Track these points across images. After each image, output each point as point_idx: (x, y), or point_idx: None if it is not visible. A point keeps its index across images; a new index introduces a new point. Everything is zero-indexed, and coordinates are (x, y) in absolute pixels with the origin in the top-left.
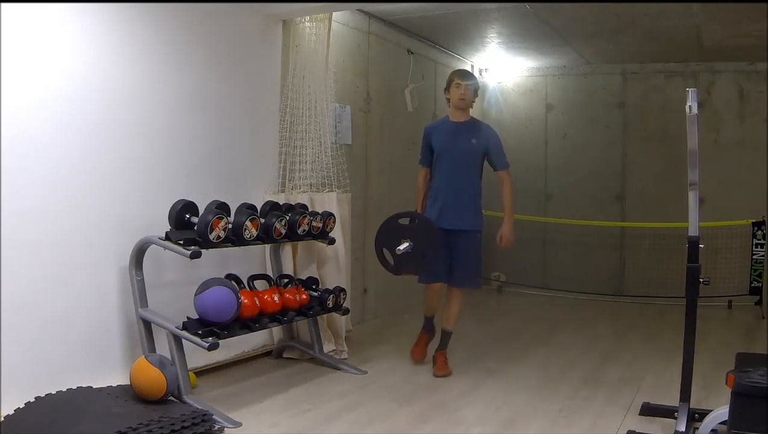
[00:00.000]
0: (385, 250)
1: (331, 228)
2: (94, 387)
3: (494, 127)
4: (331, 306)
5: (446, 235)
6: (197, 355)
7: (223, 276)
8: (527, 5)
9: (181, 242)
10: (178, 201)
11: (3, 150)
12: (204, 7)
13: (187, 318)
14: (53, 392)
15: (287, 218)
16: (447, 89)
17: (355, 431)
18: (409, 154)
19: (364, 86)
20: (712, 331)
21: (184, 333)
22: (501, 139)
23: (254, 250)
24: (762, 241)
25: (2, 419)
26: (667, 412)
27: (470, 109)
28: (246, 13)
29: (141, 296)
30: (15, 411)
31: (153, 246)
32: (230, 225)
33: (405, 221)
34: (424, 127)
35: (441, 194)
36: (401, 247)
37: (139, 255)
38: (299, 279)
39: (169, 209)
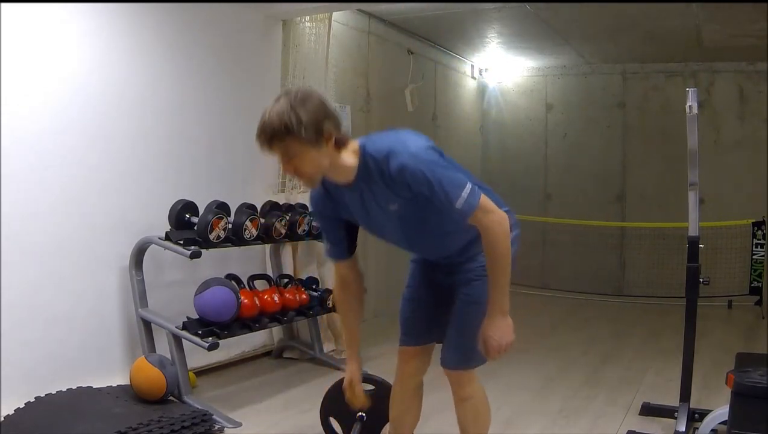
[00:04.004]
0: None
1: None
2: (94, 387)
3: (493, 127)
4: (331, 306)
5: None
6: (197, 355)
7: (223, 276)
8: (527, 5)
9: (181, 242)
10: (178, 201)
11: (3, 150)
12: (204, 7)
13: (187, 318)
14: (53, 392)
15: (287, 218)
16: None
17: None
18: None
19: (364, 86)
20: (712, 331)
21: (184, 333)
22: (437, 159)
23: (254, 250)
24: (762, 241)
25: (2, 419)
26: (667, 412)
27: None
28: (246, 13)
29: (141, 296)
30: (15, 411)
31: (153, 246)
32: (230, 225)
33: None
34: (310, 196)
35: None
36: None
37: (139, 255)
38: (299, 279)
39: (169, 209)
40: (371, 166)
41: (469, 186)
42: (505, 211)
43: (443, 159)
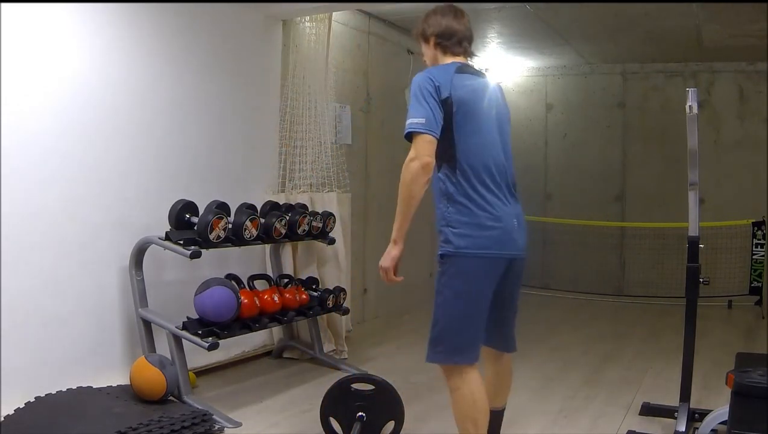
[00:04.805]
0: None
1: (331, 228)
2: (94, 387)
3: None
4: (331, 306)
5: None
6: (197, 355)
7: (223, 276)
8: (527, 5)
9: (181, 242)
10: (178, 201)
11: (3, 150)
12: (204, 7)
13: (187, 318)
14: (53, 392)
15: (287, 218)
16: None
17: None
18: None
19: (364, 86)
20: (712, 331)
21: (184, 333)
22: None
23: (254, 250)
24: (762, 241)
25: (2, 419)
26: (667, 412)
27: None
28: (246, 13)
29: (141, 296)
30: (15, 411)
31: (153, 246)
32: (230, 225)
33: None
34: None
35: None
36: None
37: (139, 255)
38: (299, 279)
39: (169, 209)
40: None
41: (422, 120)
42: (471, 206)
43: (430, 93)
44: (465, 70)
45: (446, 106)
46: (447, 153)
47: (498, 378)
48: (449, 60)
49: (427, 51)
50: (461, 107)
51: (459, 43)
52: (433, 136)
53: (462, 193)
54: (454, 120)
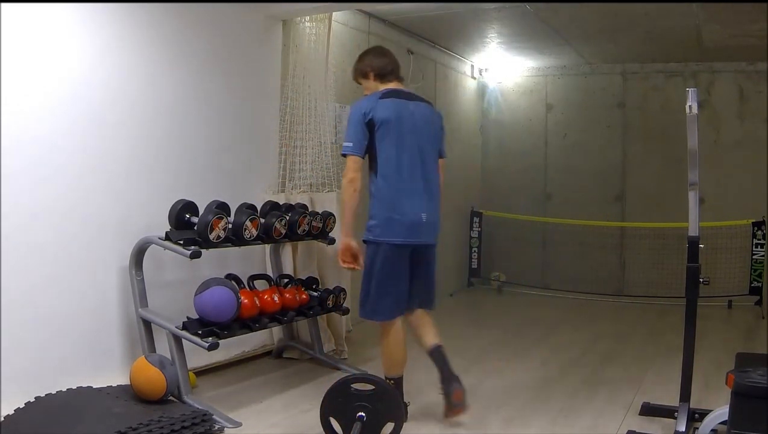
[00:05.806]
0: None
1: (331, 228)
2: (94, 387)
3: (493, 127)
4: (331, 306)
5: None
6: (197, 355)
7: (223, 276)
8: (527, 5)
9: (181, 242)
10: (178, 201)
11: (3, 150)
12: (204, 7)
13: (187, 318)
14: (53, 392)
15: (287, 218)
16: None
17: None
18: None
19: None
20: (712, 331)
21: (184, 333)
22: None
23: (254, 250)
24: (762, 241)
25: (2, 419)
26: (667, 412)
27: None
28: (246, 13)
29: (141, 296)
30: (15, 411)
31: (153, 246)
32: (230, 225)
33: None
34: None
35: None
36: None
37: (139, 255)
38: (299, 279)
39: (169, 209)
40: None
41: (350, 144)
42: (378, 204)
43: (357, 120)
44: (390, 95)
45: (370, 126)
46: (373, 161)
47: (416, 321)
48: (386, 87)
49: (369, 84)
50: (381, 125)
51: (392, 72)
52: (357, 156)
53: (378, 193)
54: (376, 136)
